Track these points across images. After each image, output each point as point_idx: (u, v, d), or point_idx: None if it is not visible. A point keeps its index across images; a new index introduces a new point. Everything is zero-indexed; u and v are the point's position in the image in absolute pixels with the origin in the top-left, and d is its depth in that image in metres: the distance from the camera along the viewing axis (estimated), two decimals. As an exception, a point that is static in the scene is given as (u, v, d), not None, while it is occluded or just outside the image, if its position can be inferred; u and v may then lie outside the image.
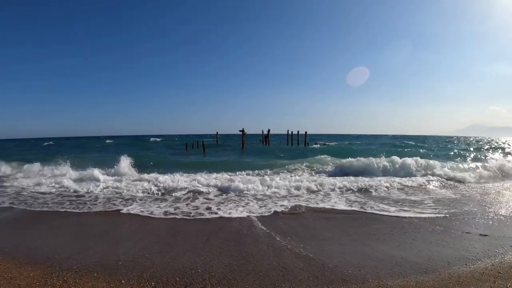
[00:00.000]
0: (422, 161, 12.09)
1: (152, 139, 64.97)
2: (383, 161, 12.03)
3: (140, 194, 7.83)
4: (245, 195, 7.65)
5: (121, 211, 6.19)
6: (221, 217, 5.62)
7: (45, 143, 47.31)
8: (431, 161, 12.24)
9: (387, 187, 8.67)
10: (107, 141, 56.26)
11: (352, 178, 10.10)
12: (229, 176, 10.17)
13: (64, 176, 10.56)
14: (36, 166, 12.58)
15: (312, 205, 6.58)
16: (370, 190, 8.33)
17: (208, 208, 6.28)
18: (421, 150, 22.72)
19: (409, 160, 11.95)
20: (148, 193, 7.92)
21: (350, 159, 13.35)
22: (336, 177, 10.37)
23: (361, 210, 6.13)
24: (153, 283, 3.01)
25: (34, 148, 36.47)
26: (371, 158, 12.56)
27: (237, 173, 11.58)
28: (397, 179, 9.74)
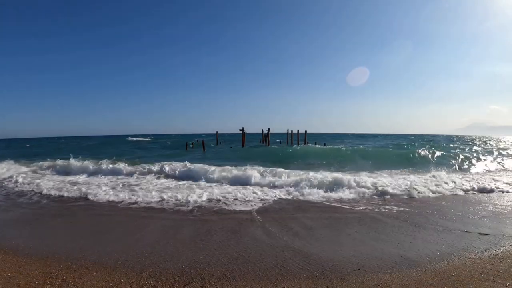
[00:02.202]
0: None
1: (134, 138, 59.12)
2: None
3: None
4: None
5: (119, 206, 6.19)
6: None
7: (28, 144, 44.58)
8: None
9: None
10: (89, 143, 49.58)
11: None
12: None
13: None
14: None
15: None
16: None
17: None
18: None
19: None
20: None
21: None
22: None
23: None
24: (152, 282, 3.00)
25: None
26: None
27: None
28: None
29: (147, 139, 56.31)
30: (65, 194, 7.92)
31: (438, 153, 16.37)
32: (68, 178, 10.82)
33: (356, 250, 3.86)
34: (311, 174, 9.53)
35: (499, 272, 3.18)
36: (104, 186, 8.75)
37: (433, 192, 7.72)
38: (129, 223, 5.30)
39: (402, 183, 8.69)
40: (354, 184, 8.28)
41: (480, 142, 39.08)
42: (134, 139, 57.43)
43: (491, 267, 3.31)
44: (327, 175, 9.23)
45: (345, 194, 7.54)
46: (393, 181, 8.97)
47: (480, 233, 4.49)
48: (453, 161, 14.81)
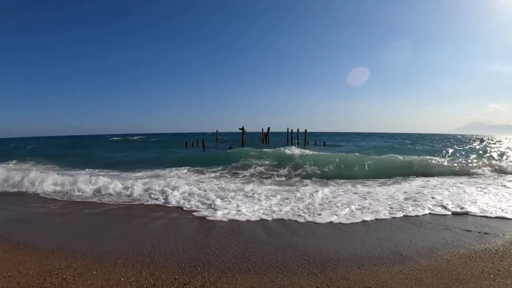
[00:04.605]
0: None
1: (111, 138, 55.82)
2: None
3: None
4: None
5: (119, 207, 6.19)
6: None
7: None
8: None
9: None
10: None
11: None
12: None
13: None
14: None
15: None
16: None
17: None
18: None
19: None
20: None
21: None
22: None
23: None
24: (152, 281, 3.00)
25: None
26: None
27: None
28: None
29: (135, 138, 52.67)
30: None
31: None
32: None
33: (356, 249, 3.86)
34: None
35: (499, 271, 3.18)
36: None
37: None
38: (127, 221, 5.30)
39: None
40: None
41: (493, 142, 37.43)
42: (118, 138, 53.65)
43: (491, 266, 3.31)
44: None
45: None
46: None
47: (480, 232, 4.49)
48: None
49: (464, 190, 7.65)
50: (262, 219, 5.24)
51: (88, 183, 8.23)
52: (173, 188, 7.52)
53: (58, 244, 4.14)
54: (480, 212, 5.58)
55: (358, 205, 6.14)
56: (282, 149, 14.70)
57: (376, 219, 5.22)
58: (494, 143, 35.16)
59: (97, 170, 12.26)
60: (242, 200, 6.53)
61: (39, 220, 5.52)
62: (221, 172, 11.93)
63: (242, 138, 29.71)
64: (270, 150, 15.30)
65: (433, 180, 9.47)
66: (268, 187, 8.32)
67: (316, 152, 13.94)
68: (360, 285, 2.89)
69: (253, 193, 7.19)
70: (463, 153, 19.44)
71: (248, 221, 5.18)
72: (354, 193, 7.45)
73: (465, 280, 2.96)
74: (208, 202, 6.37)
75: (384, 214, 5.50)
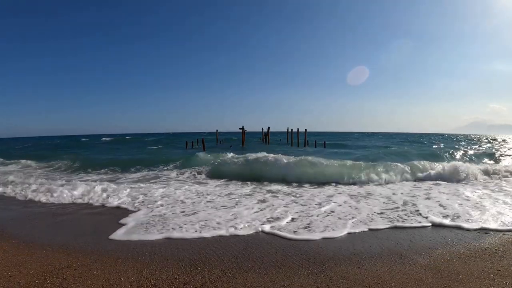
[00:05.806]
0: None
1: (109, 138, 54.95)
2: None
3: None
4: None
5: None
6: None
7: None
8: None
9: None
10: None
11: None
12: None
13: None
14: None
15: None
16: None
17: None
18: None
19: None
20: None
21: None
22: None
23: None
24: (152, 281, 3.01)
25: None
26: None
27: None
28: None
29: (127, 138, 52.13)
30: None
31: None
32: None
33: (356, 248, 3.86)
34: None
35: (499, 270, 3.18)
36: None
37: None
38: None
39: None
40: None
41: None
42: (110, 138, 53.38)
43: (491, 265, 3.32)
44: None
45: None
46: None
47: (479, 232, 4.50)
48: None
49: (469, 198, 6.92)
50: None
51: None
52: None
53: (59, 243, 4.14)
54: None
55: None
56: (254, 154, 13.49)
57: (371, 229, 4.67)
58: (499, 143, 35.19)
59: (95, 175, 11.98)
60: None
61: (39, 219, 5.53)
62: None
63: (242, 137, 29.73)
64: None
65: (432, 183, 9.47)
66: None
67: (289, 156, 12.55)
68: (360, 285, 2.90)
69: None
70: (469, 153, 19.19)
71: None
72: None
73: (465, 280, 2.97)
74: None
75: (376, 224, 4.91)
